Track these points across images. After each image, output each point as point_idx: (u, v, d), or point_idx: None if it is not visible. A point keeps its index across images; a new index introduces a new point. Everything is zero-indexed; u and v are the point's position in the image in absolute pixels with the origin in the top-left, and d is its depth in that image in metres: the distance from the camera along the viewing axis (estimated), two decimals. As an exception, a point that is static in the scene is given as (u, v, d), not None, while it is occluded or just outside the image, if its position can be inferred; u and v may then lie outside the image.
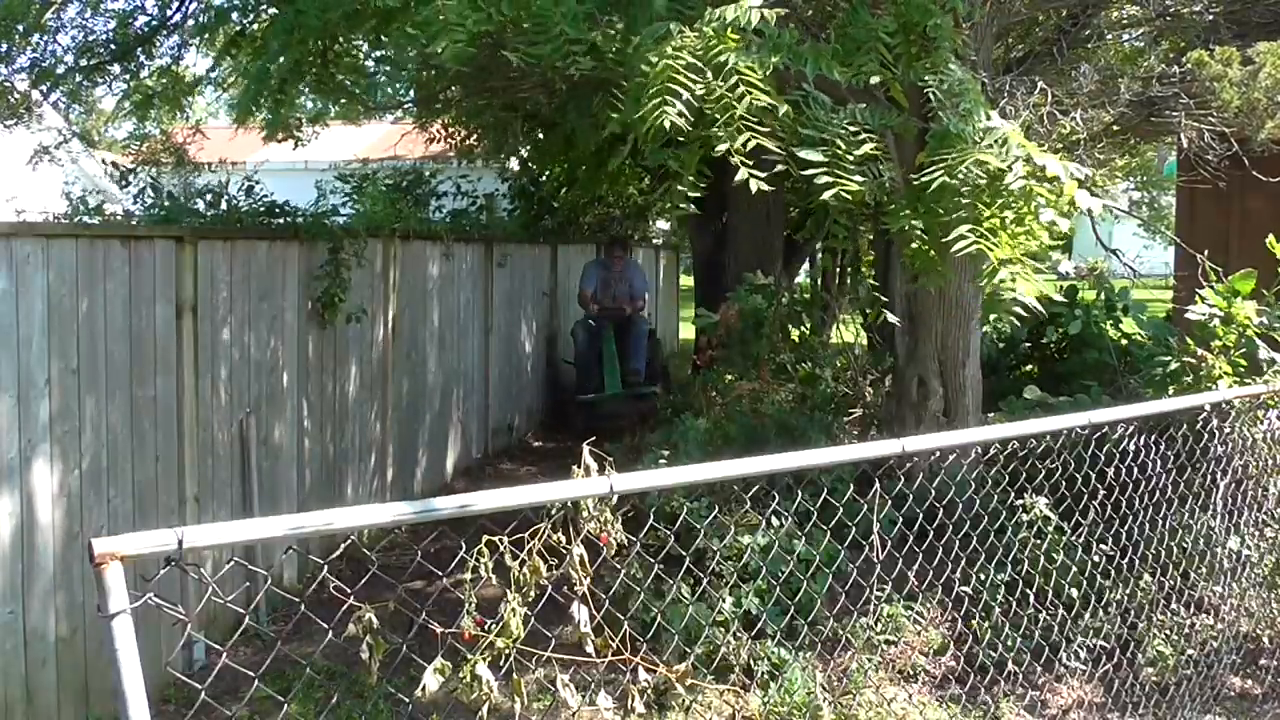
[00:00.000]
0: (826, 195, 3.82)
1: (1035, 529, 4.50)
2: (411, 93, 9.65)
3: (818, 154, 3.86)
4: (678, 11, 4.17)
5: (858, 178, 3.90)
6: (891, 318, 4.76)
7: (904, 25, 4.31)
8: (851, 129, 4.00)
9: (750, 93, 3.69)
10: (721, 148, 3.68)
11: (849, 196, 3.85)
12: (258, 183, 7.43)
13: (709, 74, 3.73)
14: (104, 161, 8.98)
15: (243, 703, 2.02)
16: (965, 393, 6.24)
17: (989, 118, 4.26)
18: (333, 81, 5.88)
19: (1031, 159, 3.91)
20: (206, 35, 8.13)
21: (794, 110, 3.87)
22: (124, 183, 8.07)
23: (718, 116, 3.65)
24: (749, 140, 3.64)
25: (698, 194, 3.83)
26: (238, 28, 7.71)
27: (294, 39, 5.10)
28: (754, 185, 3.65)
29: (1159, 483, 3.59)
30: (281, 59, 5.24)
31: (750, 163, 3.66)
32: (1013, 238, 3.83)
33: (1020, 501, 4.44)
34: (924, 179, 4.00)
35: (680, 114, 3.60)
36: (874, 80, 4.27)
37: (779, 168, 3.78)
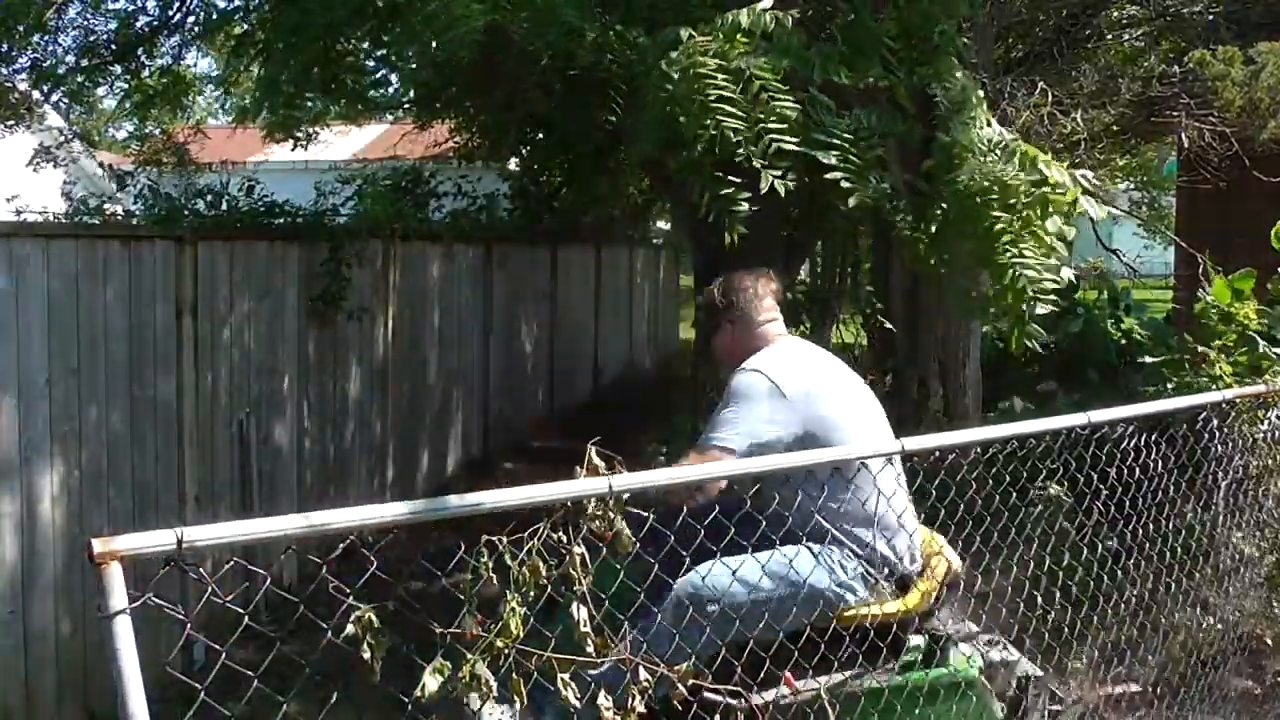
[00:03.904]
0: (852, 201, 3.84)
1: (1041, 529, 4.49)
2: (412, 93, 9.63)
3: (832, 158, 3.87)
4: (680, 10, 4.18)
5: (869, 184, 3.91)
6: (888, 324, 4.78)
7: (906, 30, 4.32)
8: (860, 135, 4.01)
9: (775, 96, 3.70)
10: (745, 154, 3.68)
11: (870, 201, 3.87)
12: (258, 183, 7.42)
13: (720, 78, 3.74)
14: (102, 165, 8.97)
15: (242, 702, 2.02)
16: (965, 392, 6.24)
17: (990, 124, 4.27)
18: (338, 84, 5.88)
19: (1040, 169, 3.93)
20: (208, 35, 8.12)
21: (804, 114, 3.88)
22: (122, 184, 8.07)
23: (732, 126, 3.66)
24: (772, 144, 3.65)
25: (754, 209, 3.80)
26: (241, 29, 7.70)
27: (301, 40, 5.09)
28: (780, 187, 3.66)
29: (1160, 483, 3.59)
30: (290, 64, 5.24)
31: (768, 164, 3.67)
32: (1023, 243, 3.86)
33: (1027, 498, 4.43)
34: (936, 191, 4.02)
35: (733, 117, 3.60)
36: (879, 85, 4.28)
37: (790, 177, 3.78)
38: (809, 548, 2.76)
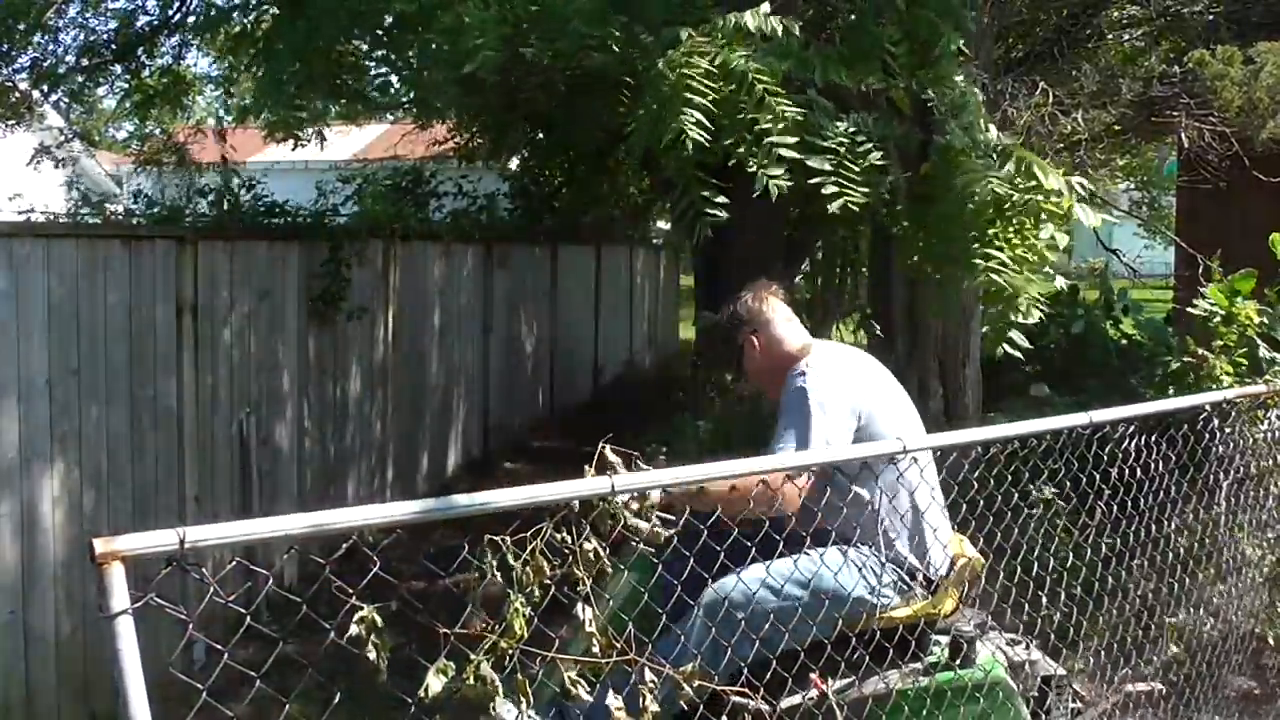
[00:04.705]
0: (833, 206, 3.83)
1: (1043, 529, 4.49)
2: (412, 93, 9.63)
3: (824, 163, 3.87)
4: (686, 11, 4.18)
5: (863, 189, 3.91)
6: (878, 330, 4.78)
7: (907, 34, 4.32)
8: (857, 139, 4.01)
9: (775, 99, 3.70)
10: (743, 155, 3.68)
11: (855, 207, 3.86)
12: (258, 183, 7.42)
13: (720, 81, 3.74)
14: (112, 173, 8.97)
15: (244, 703, 2.02)
16: (965, 392, 6.24)
17: (988, 129, 4.28)
18: (344, 86, 5.90)
19: (1035, 175, 3.93)
20: (207, 35, 8.11)
21: (803, 117, 3.88)
22: (120, 184, 8.08)
23: (725, 122, 3.65)
24: (771, 149, 3.65)
25: (723, 209, 3.80)
26: (238, 27, 7.69)
27: (309, 47, 5.10)
28: (773, 190, 3.67)
29: (1161, 483, 3.59)
30: (295, 67, 5.25)
31: (767, 165, 3.67)
32: (1013, 250, 3.86)
33: (1029, 498, 4.43)
34: (930, 197, 4.03)
35: (698, 123, 3.60)
36: (877, 87, 4.29)
37: (786, 176, 3.78)
38: (839, 550, 2.72)
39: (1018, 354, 4.02)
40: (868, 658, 2.66)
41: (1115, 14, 7.46)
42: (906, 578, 2.85)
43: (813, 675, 2.58)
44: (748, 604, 2.60)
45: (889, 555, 2.83)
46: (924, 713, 2.68)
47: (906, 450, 2.65)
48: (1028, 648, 3.08)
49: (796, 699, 2.60)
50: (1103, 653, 3.61)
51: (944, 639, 2.89)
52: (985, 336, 4.08)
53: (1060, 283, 4.34)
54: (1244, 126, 6.46)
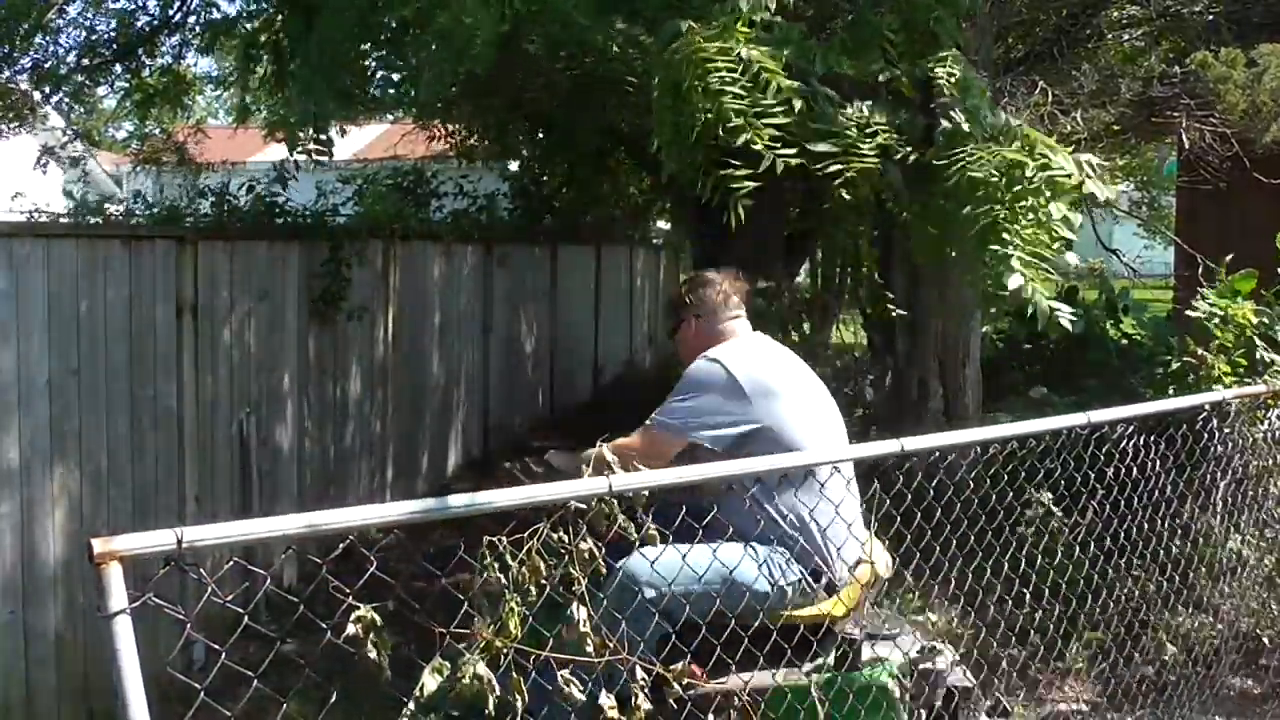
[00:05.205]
0: (839, 178, 3.83)
1: (1035, 529, 4.50)
2: (413, 93, 9.62)
3: (829, 145, 3.87)
4: (683, 5, 4.18)
5: (871, 161, 3.91)
6: (897, 310, 4.75)
7: (907, 23, 4.33)
8: (860, 126, 4.01)
9: (776, 78, 3.70)
10: (750, 137, 3.67)
11: (852, 195, 3.86)
12: (259, 182, 7.42)
13: (720, 60, 3.75)
14: (103, 168, 8.98)
15: (242, 702, 2.02)
16: (965, 392, 6.24)
17: (993, 113, 4.27)
18: (356, 92, 5.93)
19: (1045, 154, 3.92)
20: (209, 38, 8.10)
21: (806, 105, 3.88)
22: (119, 184, 8.08)
23: (734, 107, 3.66)
24: (770, 126, 3.66)
25: (752, 201, 3.80)
26: (244, 32, 7.68)
27: (323, 60, 5.12)
28: (779, 165, 3.68)
29: (1159, 483, 3.59)
30: (320, 89, 5.28)
31: (775, 144, 3.67)
32: (1025, 228, 3.84)
33: (1025, 498, 4.44)
34: (939, 176, 4.01)
35: (734, 99, 3.61)
36: (881, 77, 4.28)
37: (785, 169, 3.77)
38: (751, 548, 2.78)
39: (1069, 326, 3.92)
40: (760, 655, 2.64)
41: (1115, 14, 7.46)
42: (810, 579, 2.88)
43: (692, 665, 2.57)
44: (657, 584, 2.64)
45: (795, 555, 2.86)
46: (802, 713, 2.67)
47: (906, 450, 2.66)
48: (943, 656, 3.02)
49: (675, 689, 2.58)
50: (1099, 653, 3.62)
51: (836, 641, 2.89)
52: (981, 302, 4.06)
53: (1072, 258, 4.28)
54: (1247, 129, 6.46)
